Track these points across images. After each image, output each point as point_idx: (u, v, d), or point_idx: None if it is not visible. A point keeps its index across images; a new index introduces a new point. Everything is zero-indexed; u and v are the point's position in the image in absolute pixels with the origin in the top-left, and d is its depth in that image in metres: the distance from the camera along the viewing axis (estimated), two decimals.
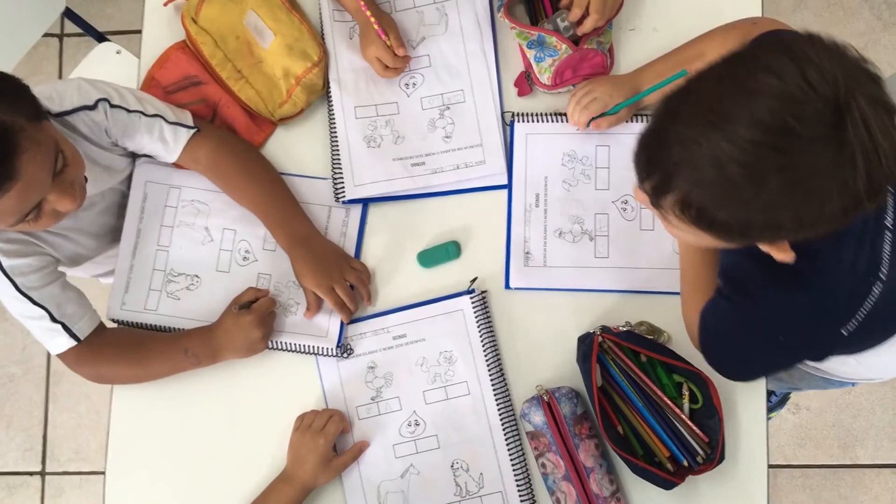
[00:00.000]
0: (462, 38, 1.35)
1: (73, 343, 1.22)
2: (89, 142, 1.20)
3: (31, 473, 2.20)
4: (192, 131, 1.27)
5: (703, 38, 1.25)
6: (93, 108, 1.18)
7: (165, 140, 1.26)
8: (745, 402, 1.23)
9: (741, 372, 1.15)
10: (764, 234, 0.85)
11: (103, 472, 1.31)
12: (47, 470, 2.20)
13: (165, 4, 1.39)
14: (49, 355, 2.23)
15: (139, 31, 2.26)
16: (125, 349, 1.28)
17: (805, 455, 2.01)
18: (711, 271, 1.11)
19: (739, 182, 0.77)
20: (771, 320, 0.99)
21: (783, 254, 0.87)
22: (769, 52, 0.78)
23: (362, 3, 1.25)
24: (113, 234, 1.35)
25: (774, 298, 0.96)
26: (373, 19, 1.25)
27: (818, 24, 2.16)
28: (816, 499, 2.00)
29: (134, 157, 1.33)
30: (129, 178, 1.34)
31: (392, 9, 1.36)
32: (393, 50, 1.29)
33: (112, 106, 1.20)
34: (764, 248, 0.88)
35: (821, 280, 0.93)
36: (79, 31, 1.88)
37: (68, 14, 1.76)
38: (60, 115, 1.16)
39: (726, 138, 0.76)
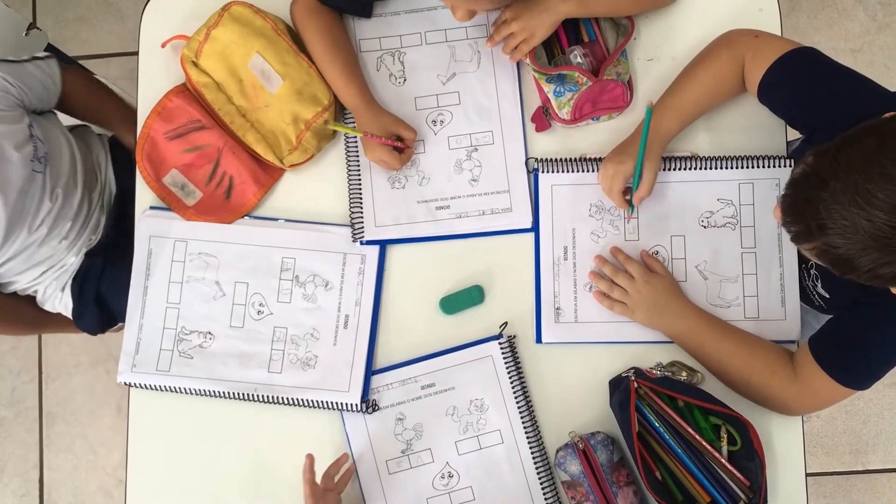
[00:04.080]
0: (494, 78, 1.30)
1: None
2: None
3: None
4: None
5: (694, 68, 1.22)
6: None
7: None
8: (781, 441, 1.22)
9: (876, 372, 1.12)
10: (894, 282, 0.92)
11: None
12: None
13: (163, 46, 1.32)
14: (41, 396, 2.15)
15: (116, 55, 2.21)
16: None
17: (817, 463, 2.02)
18: (758, 338, 1.22)
19: (872, 251, 0.87)
20: None
21: None
22: None
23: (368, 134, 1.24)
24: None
25: None
26: (362, 134, 1.24)
27: (813, 27, 2.14)
28: None
29: None
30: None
31: (423, 41, 1.31)
32: (398, 148, 1.26)
33: None
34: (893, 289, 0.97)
35: None
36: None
37: (49, 48, 1.67)
38: None
39: (867, 218, 0.85)
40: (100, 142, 1.55)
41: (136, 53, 1.35)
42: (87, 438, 2.13)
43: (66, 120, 1.52)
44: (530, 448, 1.23)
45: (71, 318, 1.55)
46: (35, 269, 1.44)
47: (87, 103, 1.54)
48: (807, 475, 1.23)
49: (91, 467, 2.12)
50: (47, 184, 1.32)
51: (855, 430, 2.03)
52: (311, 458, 1.18)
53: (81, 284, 1.49)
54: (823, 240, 0.89)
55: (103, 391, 2.12)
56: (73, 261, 1.47)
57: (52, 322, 1.58)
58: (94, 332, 1.58)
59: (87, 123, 1.59)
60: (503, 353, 1.25)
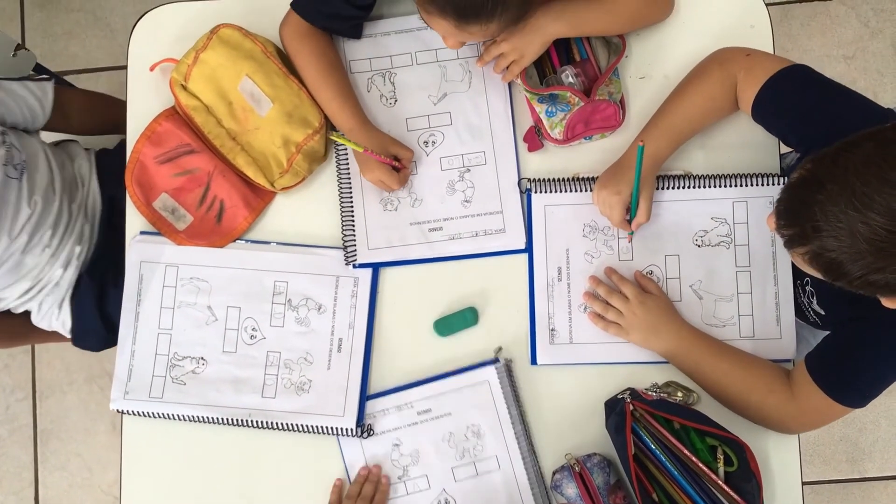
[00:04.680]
0: (485, 98, 1.29)
1: None
2: None
3: None
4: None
5: (685, 88, 1.22)
6: None
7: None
8: (778, 460, 1.22)
9: (873, 390, 1.12)
10: (884, 291, 0.91)
11: None
12: None
13: (151, 69, 1.31)
14: (35, 414, 2.14)
15: (106, 69, 2.20)
16: None
17: (814, 471, 2.02)
18: (755, 356, 1.21)
19: (867, 255, 0.86)
20: None
21: (894, 303, 0.94)
22: None
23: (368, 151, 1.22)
24: None
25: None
26: (363, 149, 1.21)
27: (805, 34, 2.14)
28: None
29: None
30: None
31: (413, 61, 1.30)
32: (396, 167, 1.25)
33: None
34: (883, 300, 0.95)
35: None
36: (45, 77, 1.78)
37: (38, 68, 1.66)
38: None
39: (863, 221, 0.85)
40: (85, 155, 1.54)
41: (126, 68, 1.34)
42: (83, 456, 2.12)
43: (53, 135, 1.52)
44: (527, 475, 1.22)
45: (69, 336, 1.53)
46: (22, 282, 1.42)
47: (92, 121, 1.57)
48: (803, 484, 1.23)
49: (86, 485, 2.11)
50: (24, 190, 1.31)
51: (851, 438, 2.03)
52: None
53: (81, 302, 1.48)
54: (817, 243, 0.89)
55: (97, 408, 2.11)
56: (61, 274, 1.45)
57: (44, 333, 1.57)
58: (95, 350, 1.57)
59: (75, 139, 1.58)
60: (500, 379, 1.24)
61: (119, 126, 1.60)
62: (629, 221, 1.22)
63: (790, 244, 0.94)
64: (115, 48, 2.19)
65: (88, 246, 1.48)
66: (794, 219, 0.92)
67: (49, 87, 1.43)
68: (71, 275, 1.46)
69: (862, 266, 0.87)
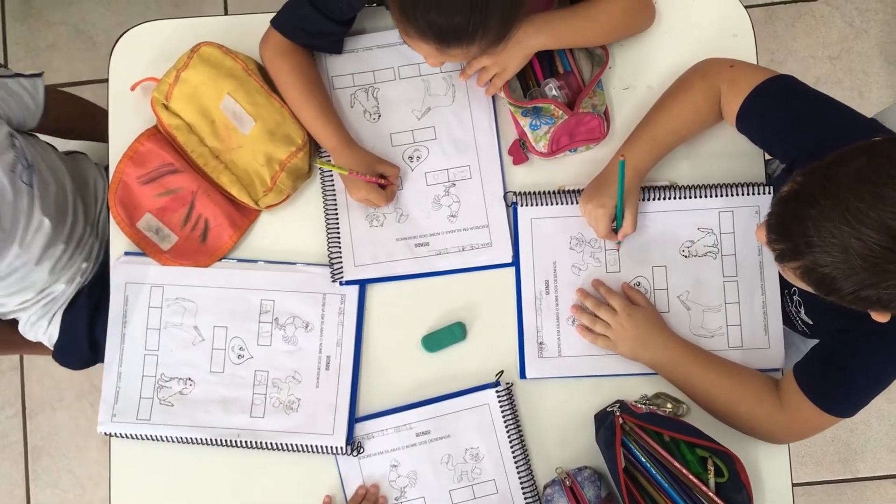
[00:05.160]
0: (469, 111, 1.28)
1: None
2: None
3: None
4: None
5: (668, 99, 1.21)
6: None
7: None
8: (769, 470, 1.22)
9: (861, 400, 1.12)
10: (875, 306, 0.91)
11: None
12: None
13: (132, 88, 1.30)
14: (25, 431, 2.13)
15: (89, 82, 2.18)
16: None
17: (806, 473, 2.03)
18: (743, 367, 1.21)
19: (860, 270, 0.86)
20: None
21: (884, 317, 0.94)
22: None
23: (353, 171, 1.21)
24: None
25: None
26: (348, 172, 1.21)
27: (790, 35, 2.14)
28: None
29: None
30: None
31: (396, 76, 1.30)
32: (381, 185, 1.24)
33: None
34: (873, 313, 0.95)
35: None
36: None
37: None
38: None
39: (856, 236, 0.84)
40: (97, 171, 1.52)
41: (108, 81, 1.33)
42: (74, 472, 2.11)
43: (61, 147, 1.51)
44: (525, 498, 1.22)
45: (52, 349, 1.52)
46: (26, 292, 1.41)
47: (76, 123, 1.55)
48: (794, 487, 1.23)
49: (79, 501, 2.10)
50: (36, 197, 1.27)
51: (843, 438, 2.04)
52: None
53: (73, 318, 1.46)
54: (810, 258, 0.88)
55: (88, 424, 2.10)
56: (63, 289, 1.44)
57: (28, 343, 1.55)
58: (74, 368, 1.55)
59: (83, 152, 1.56)
60: (500, 402, 1.23)
61: (101, 134, 1.57)
62: (615, 231, 1.22)
63: (781, 258, 0.94)
64: (98, 61, 2.18)
65: (94, 264, 1.47)
66: (786, 233, 0.92)
67: (39, 82, 1.38)
68: (71, 290, 1.45)
69: (855, 282, 0.87)
